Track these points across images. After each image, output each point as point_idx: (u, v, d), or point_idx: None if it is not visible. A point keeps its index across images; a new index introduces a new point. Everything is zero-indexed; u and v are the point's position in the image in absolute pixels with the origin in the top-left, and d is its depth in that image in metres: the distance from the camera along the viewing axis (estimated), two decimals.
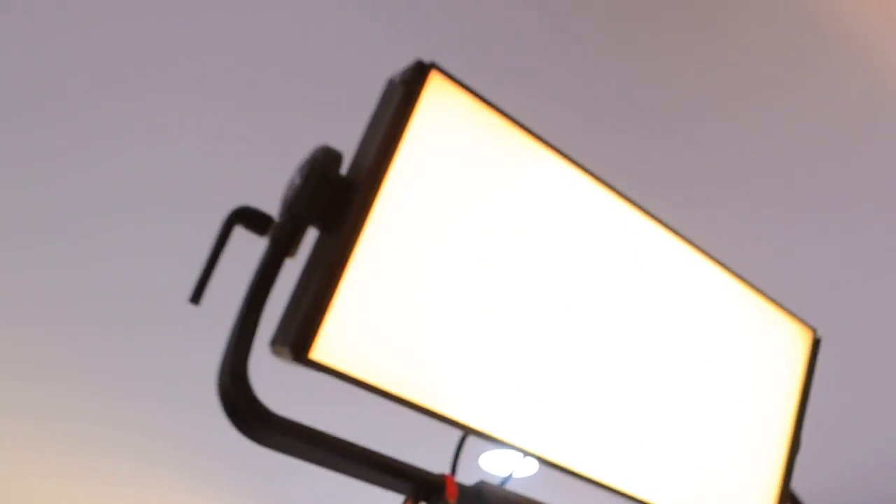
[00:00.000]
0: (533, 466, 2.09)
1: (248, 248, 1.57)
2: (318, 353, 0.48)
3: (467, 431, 0.56)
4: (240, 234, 1.53)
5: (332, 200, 0.52)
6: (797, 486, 1.99)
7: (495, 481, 2.15)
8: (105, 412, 2.14)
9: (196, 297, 0.47)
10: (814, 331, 0.87)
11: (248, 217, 0.50)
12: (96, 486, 2.54)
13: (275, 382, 1.86)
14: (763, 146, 1.26)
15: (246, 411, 0.46)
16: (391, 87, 0.58)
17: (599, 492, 2.14)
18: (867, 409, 1.70)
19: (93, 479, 2.50)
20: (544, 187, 0.64)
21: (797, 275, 1.43)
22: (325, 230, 0.52)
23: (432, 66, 0.58)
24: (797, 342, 0.86)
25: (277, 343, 0.49)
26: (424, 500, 0.51)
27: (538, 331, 0.61)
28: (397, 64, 1.20)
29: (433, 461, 2.11)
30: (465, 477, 2.21)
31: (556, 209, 0.65)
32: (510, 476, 0.63)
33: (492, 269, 0.59)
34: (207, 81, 1.26)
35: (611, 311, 0.67)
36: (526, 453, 0.59)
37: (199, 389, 1.99)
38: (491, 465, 2.14)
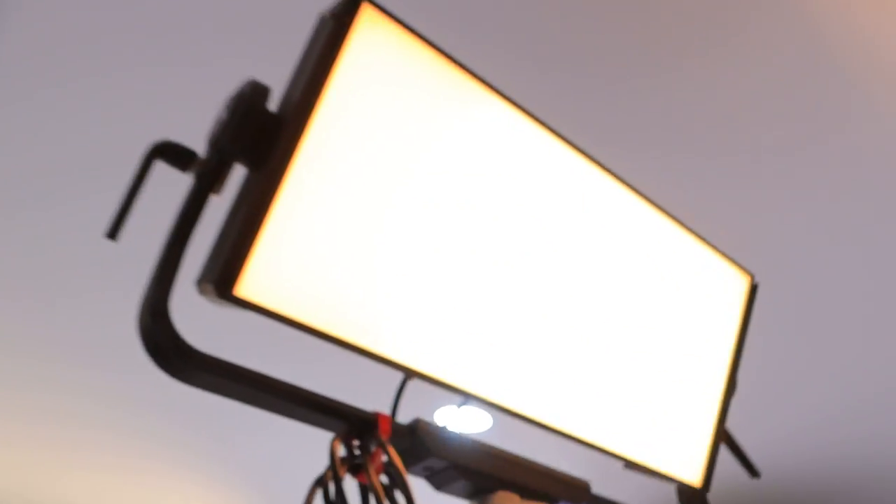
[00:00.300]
0: (486, 422, 2.12)
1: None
2: (243, 289, 0.47)
3: (408, 372, 0.55)
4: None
5: (259, 136, 0.51)
6: (742, 436, 2.06)
7: None
8: (54, 380, 2.09)
9: (113, 232, 0.45)
10: (751, 276, 0.89)
11: (168, 152, 0.48)
12: (47, 453, 2.50)
13: (208, 335, 1.84)
14: (702, 94, 1.27)
15: (169, 350, 0.45)
16: (322, 21, 0.56)
17: (550, 445, 2.18)
18: (812, 360, 1.76)
19: (44, 447, 2.46)
20: (485, 129, 0.64)
21: (738, 221, 1.46)
22: (253, 167, 0.51)
23: None
24: (735, 287, 0.88)
25: (203, 280, 0.47)
26: (357, 438, 0.51)
27: (479, 272, 0.61)
28: None
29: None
30: None
31: (497, 151, 0.64)
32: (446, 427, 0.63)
33: (430, 208, 0.58)
34: (135, 51, 1.21)
35: (551, 253, 0.67)
36: (469, 395, 0.59)
37: (143, 353, 1.96)
38: (447, 420, 2.16)
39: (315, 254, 0.51)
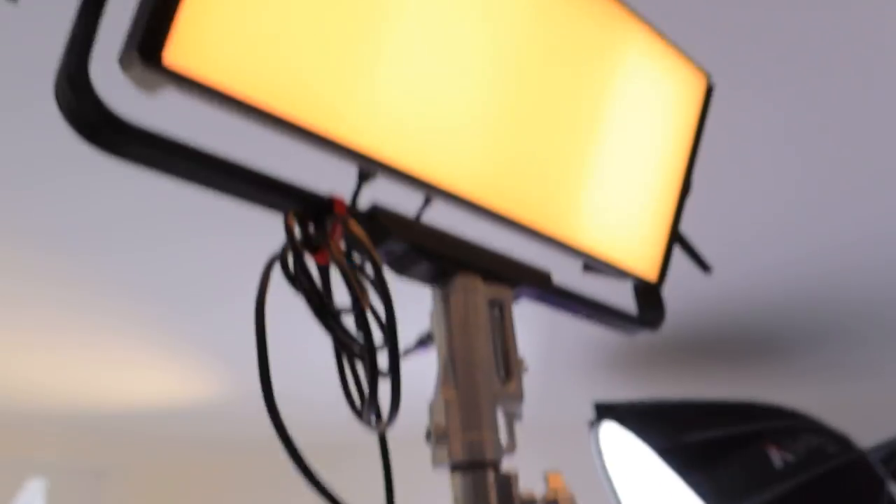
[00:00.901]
0: None
1: None
2: (173, 56, 0.42)
3: (367, 161, 0.52)
4: None
5: None
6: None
7: None
8: (16, 266, 2.03)
9: None
10: (707, 76, 0.87)
11: None
12: (5, 335, 2.47)
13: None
14: None
15: (96, 120, 0.41)
16: None
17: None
18: (753, 179, 1.80)
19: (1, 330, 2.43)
20: None
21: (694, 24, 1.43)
22: None
23: None
24: (692, 87, 0.86)
25: (126, 51, 0.43)
26: (313, 220, 0.49)
27: (440, 56, 0.57)
28: None
29: None
30: None
31: None
32: None
33: None
34: None
35: (513, 43, 0.64)
36: (433, 188, 0.57)
37: (99, 233, 1.90)
38: None
39: (254, 22, 0.46)
